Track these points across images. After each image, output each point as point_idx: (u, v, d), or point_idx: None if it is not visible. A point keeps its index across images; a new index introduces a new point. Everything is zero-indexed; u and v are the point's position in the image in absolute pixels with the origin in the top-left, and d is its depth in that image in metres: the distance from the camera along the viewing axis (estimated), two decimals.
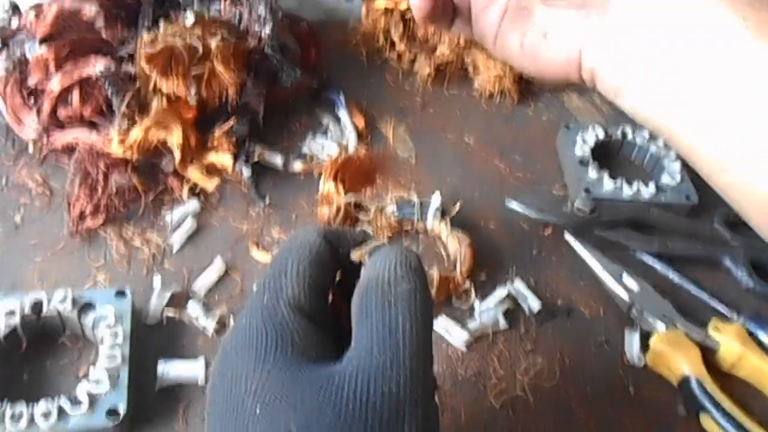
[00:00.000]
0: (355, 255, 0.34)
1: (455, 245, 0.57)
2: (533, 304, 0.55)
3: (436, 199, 0.60)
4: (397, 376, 0.26)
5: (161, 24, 0.65)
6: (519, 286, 0.56)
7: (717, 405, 0.47)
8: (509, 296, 0.55)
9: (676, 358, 0.50)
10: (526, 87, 0.77)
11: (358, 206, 0.58)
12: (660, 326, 0.53)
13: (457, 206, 0.59)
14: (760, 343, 0.52)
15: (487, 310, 0.54)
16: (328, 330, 0.31)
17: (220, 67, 0.60)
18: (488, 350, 0.52)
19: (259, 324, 0.29)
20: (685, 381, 0.49)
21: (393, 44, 0.79)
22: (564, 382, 0.50)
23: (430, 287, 0.33)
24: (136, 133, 0.58)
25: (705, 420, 0.48)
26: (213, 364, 0.31)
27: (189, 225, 0.58)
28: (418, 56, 0.78)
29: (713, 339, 0.52)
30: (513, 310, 0.54)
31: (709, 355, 0.51)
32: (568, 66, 0.41)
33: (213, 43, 0.59)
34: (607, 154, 0.69)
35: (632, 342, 0.53)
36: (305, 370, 0.27)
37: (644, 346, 0.52)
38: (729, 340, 0.51)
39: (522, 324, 0.54)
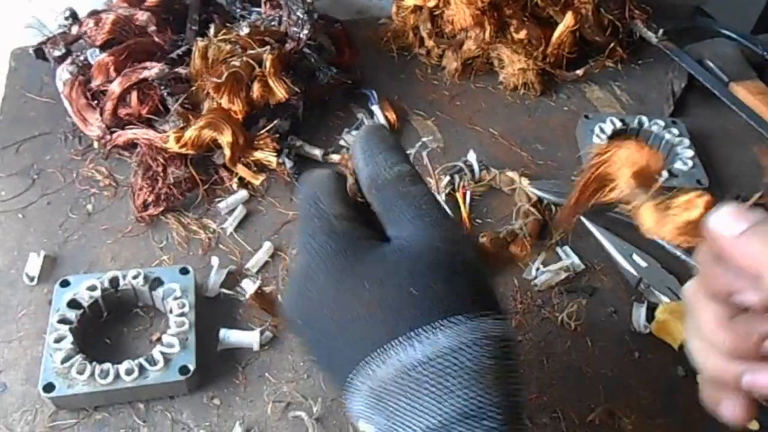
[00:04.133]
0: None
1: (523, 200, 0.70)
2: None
3: (471, 156, 0.73)
4: (445, 226, 0.38)
5: (212, 28, 0.76)
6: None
7: None
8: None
9: (677, 325, 0.59)
10: (549, 79, 0.86)
11: None
12: (665, 299, 0.62)
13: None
14: None
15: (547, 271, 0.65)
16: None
17: (272, 81, 0.70)
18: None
19: (326, 240, 0.38)
20: (684, 345, 0.58)
21: (422, 40, 0.89)
22: (575, 347, 0.59)
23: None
24: (191, 132, 0.69)
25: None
26: (296, 284, 0.39)
27: (240, 211, 0.68)
28: (446, 51, 0.88)
29: None
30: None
31: None
32: None
33: (266, 55, 0.70)
34: None
35: (639, 313, 0.62)
36: (381, 250, 0.37)
37: (650, 317, 0.61)
38: None
39: (538, 294, 0.63)
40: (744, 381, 0.35)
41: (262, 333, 0.59)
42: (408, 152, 0.76)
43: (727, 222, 0.34)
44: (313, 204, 0.41)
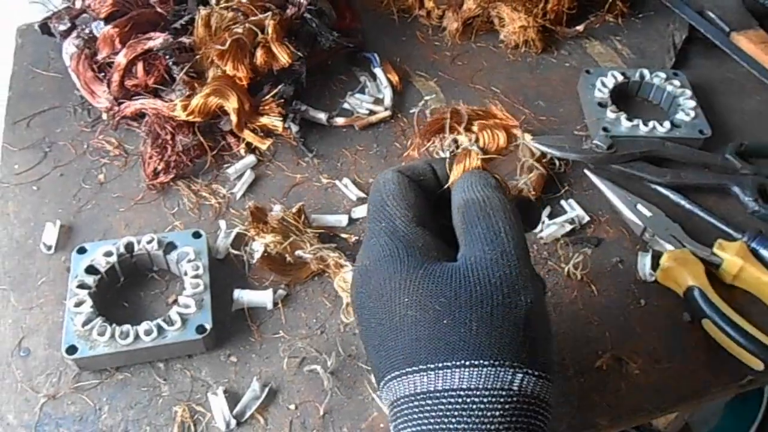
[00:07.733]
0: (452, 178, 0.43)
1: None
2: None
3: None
4: (509, 263, 0.36)
5: None
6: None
7: (717, 311, 0.56)
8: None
9: (682, 271, 0.58)
10: (549, 36, 0.85)
11: None
12: (669, 247, 0.61)
13: None
14: (760, 258, 0.60)
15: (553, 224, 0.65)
16: (438, 237, 0.40)
17: (275, 47, 0.70)
18: None
19: (387, 241, 0.38)
20: (689, 291, 0.58)
21: (422, 1, 0.88)
22: (582, 297, 0.59)
23: None
24: (197, 100, 0.69)
25: (707, 324, 0.57)
26: (354, 280, 0.40)
27: (248, 176, 0.68)
28: (446, 12, 0.87)
29: (717, 256, 0.60)
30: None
31: (712, 269, 0.60)
32: None
33: (268, 21, 0.69)
34: (626, 96, 0.77)
35: (644, 261, 0.61)
36: (434, 267, 0.37)
37: (655, 265, 0.61)
38: (731, 256, 0.59)
39: (544, 247, 0.63)
40: None
41: (275, 292, 0.59)
42: (411, 112, 0.76)
43: None
44: (379, 207, 0.40)
